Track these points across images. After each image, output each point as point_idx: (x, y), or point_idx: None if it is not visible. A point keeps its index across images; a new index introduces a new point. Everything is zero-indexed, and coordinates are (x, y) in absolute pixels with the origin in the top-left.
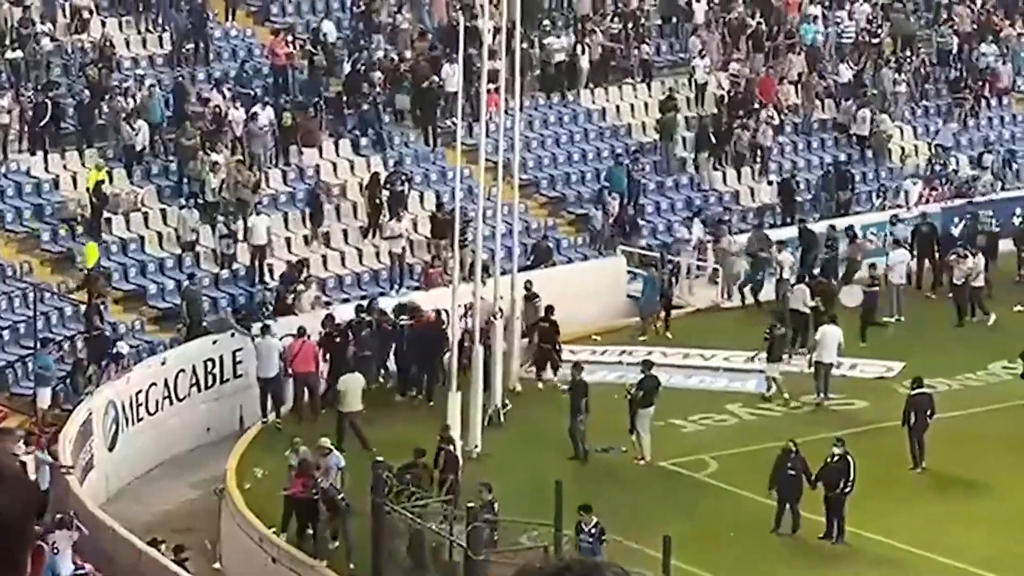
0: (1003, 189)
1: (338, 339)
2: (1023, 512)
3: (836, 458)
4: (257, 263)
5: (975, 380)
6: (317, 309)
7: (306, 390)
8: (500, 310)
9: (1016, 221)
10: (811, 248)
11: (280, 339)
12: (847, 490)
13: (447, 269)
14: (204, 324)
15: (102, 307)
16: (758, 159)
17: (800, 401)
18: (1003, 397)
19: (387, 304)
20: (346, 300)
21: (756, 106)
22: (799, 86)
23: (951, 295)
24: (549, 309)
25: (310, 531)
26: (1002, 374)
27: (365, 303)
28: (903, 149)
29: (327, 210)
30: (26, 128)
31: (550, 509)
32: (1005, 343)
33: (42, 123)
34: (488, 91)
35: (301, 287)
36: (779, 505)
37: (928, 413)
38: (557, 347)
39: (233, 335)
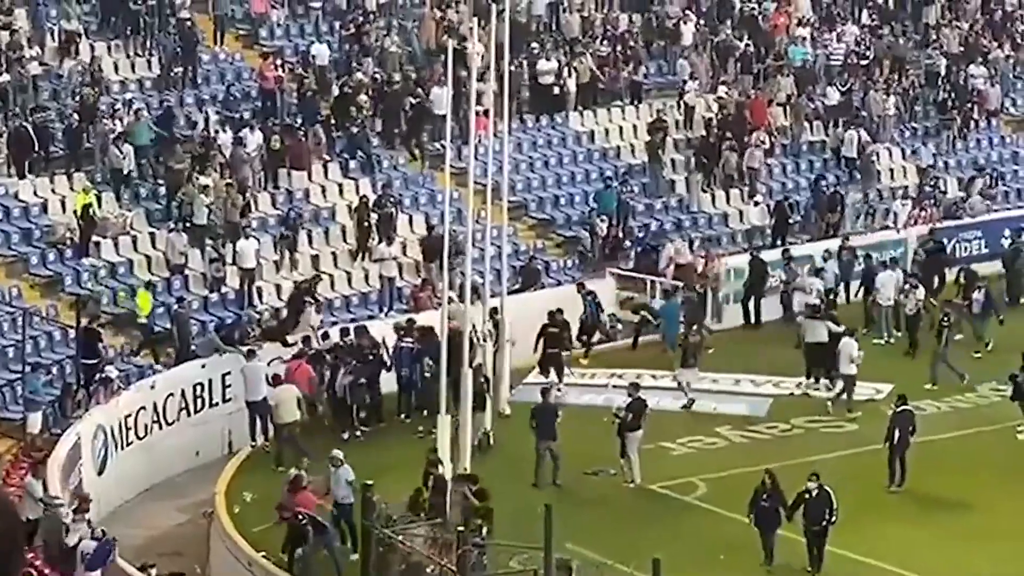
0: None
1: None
2: (1011, 534)
3: (815, 492)
4: (246, 287)
5: (964, 402)
6: (319, 329)
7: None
8: (489, 332)
9: (1005, 243)
10: (761, 277)
11: (269, 363)
12: (832, 521)
13: (436, 292)
14: (193, 348)
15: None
16: (747, 181)
17: (790, 424)
18: (993, 419)
19: (378, 327)
20: (335, 323)
21: (746, 128)
22: (788, 108)
23: (905, 326)
24: (558, 311)
25: (299, 552)
26: (992, 396)
27: (349, 328)
28: (891, 171)
29: (314, 234)
30: (14, 152)
31: (540, 533)
32: (995, 365)
33: (31, 148)
34: (477, 114)
35: (310, 304)
36: (762, 537)
37: (911, 430)
38: (566, 347)
39: (222, 355)
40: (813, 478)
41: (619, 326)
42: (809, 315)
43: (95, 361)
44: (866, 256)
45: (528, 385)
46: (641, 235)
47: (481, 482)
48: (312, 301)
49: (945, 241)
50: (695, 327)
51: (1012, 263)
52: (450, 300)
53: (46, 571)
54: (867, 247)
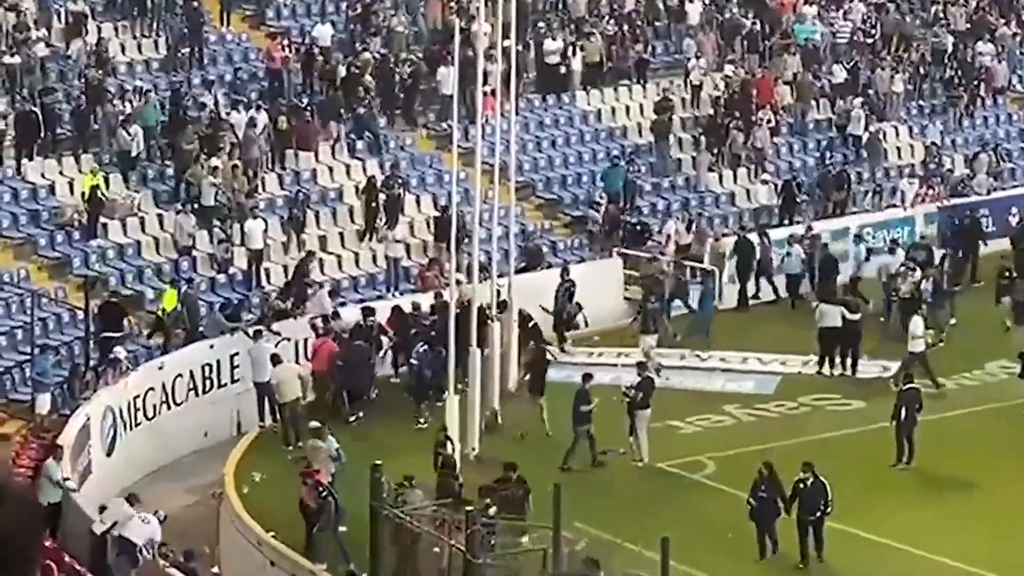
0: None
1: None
2: (1016, 512)
3: (809, 482)
4: (254, 267)
5: (971, 380)
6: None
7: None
8: (499, 307)
9: (1012, 220)
10: (748, 257)
11: (276, 344)
12: (828, 511)
13: (443, 272)
14: (202, 329)
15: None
16: (753, 160)
17: (798, 402)
18: (999, 397)
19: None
20: (343, 304)
21: (753, 107)
22: (794, 87)
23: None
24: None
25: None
26: (999, 373)
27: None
28: (898, 149)
29: (322, 215)
30: (21, 134)
31: (548, 512)
32: (1002, 343)
33: (38, 130)
34: (484, 93)
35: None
36: (758, 531)
37: (917, 408)
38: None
39: (233, 334)
40: (807, 468)
41: (583, 316)
42: (823, 299)
43: (119, 334)
44: (824, 245)
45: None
46: (630, 217)
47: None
48: (309, 282)
49: (980, 216)
50: (657, 298)
51: (1020, 241)
52: (459, 282)
53: (65, 559)
54: (874, 225)
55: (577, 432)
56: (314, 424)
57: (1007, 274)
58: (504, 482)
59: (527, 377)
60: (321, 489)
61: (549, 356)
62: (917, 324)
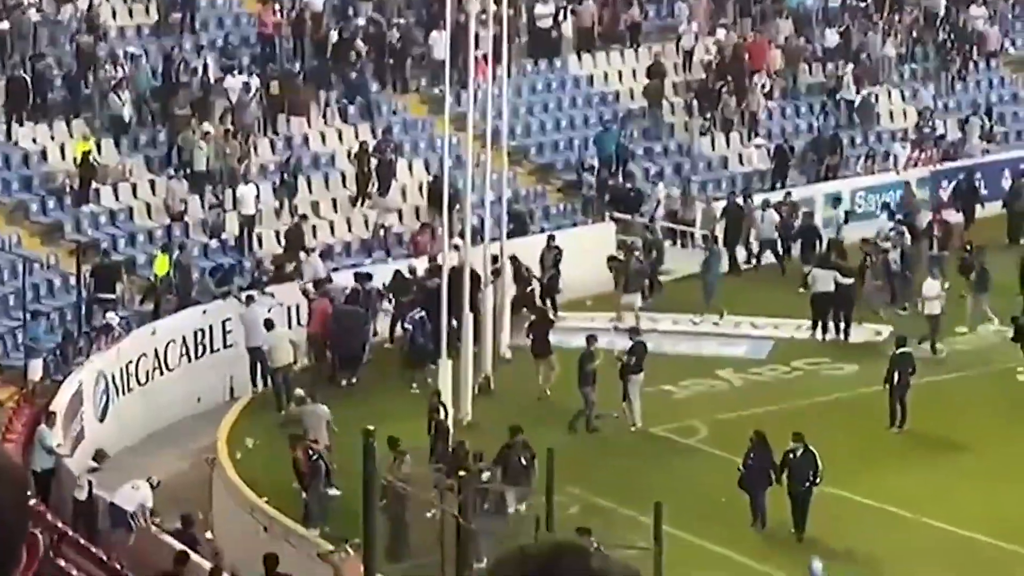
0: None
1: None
2: (1012, 474)
3: (799, 452)
4: (246, 233)
5: (965, 344)
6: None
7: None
8: (491, 275)
9: (1005, 184)
10: (737, 222)
11: (269, 309)
12: (817, 483)
13: (436, 236)
14: (194, 294)
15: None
16: (746, 124)
17: (791, 366)
18: (992, 360)
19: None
20: (335, 269)
21: (745, 71)
22: (785, 51)
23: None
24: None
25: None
26: (992, 337)
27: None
28: (891, 113)
29: (314, 180)
30: (11, 99)
31: (541, 477)
32: (995, 306)
33: (27, 96)
34: (476, 58)
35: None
36: (750, 499)
37: (910, 372)
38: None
39: (226, 298)
40: (797, 438)
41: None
42: (818, 264)
43: (112, 296)
44: (806, 213)
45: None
46: (624, 182)
47: (483, 427)
48: (305, 247)
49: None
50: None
51: (1013, 204)
52: (457, 247)
53: (58, 525)
54: (867, 189)
55: (585, 393)
56: (298, 392)
57: (968, 247)
58: (510, 447)
59: (530, 340)
60: (312, 452)
61: (552, 317)
62: (931, 287)
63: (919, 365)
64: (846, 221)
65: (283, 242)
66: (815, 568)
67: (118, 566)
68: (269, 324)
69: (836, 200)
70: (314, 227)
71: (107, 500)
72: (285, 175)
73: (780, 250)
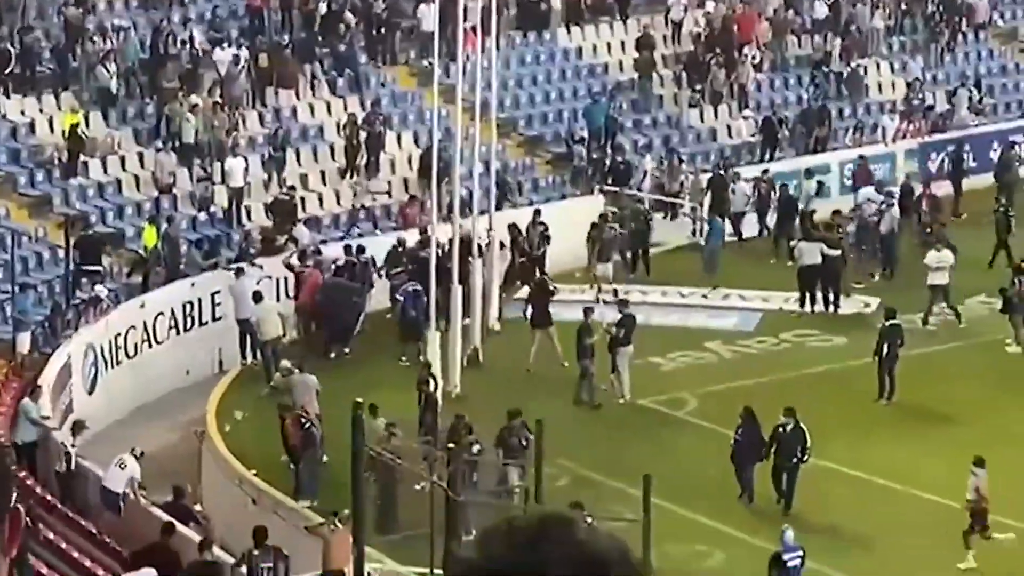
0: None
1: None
2: (999, 445)
3: (789, 427)
4: (234, 205)
5: (952, 315)
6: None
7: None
8: (480, 247)
9: (994, 156)
10: (723, 194)
11: (258, 281)
12: (805, 459)
13: (425, 208)
14: (182, 267)
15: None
16: (735, 96)
17: (779, 338)
18: (980, 332)
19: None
20: (324, 242)
21: (734, 43)
22: (774, 23)
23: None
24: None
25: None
26: (980, 309)
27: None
28: (879, 85)
29: (302, 153)
30: (1, 72)
31: (531, 449)
32: (982, 278)
33: (9, 68)
34: (465, 30)
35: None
36: (737, 473)
37: (899, 344)
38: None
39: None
40: (788, 412)
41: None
42: (803, 237)
43: (98, 268)
44: (782, 186)
45: (516, 301)
46: (596, 156)
47: (471, 399)
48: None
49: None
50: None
51: (1002, 177)
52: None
53: (47, 498)
54: (856, 161)
55: (584, 366)
56: (285, 363)
57: (929, 229)
58: (509, 429)
59: (529, 311)
60: (304, 421)
61: (552, 287)
62: (933, 257)
63: (917, 336)
64: (818, 193)
65: (272, 214)
66: (787, 537)
67: (106, 539)
68: (258, 296)
69: (808, 172)
70: (303, 199)
71: (95, 472)
72: (274, 148)
73: (759, 224)
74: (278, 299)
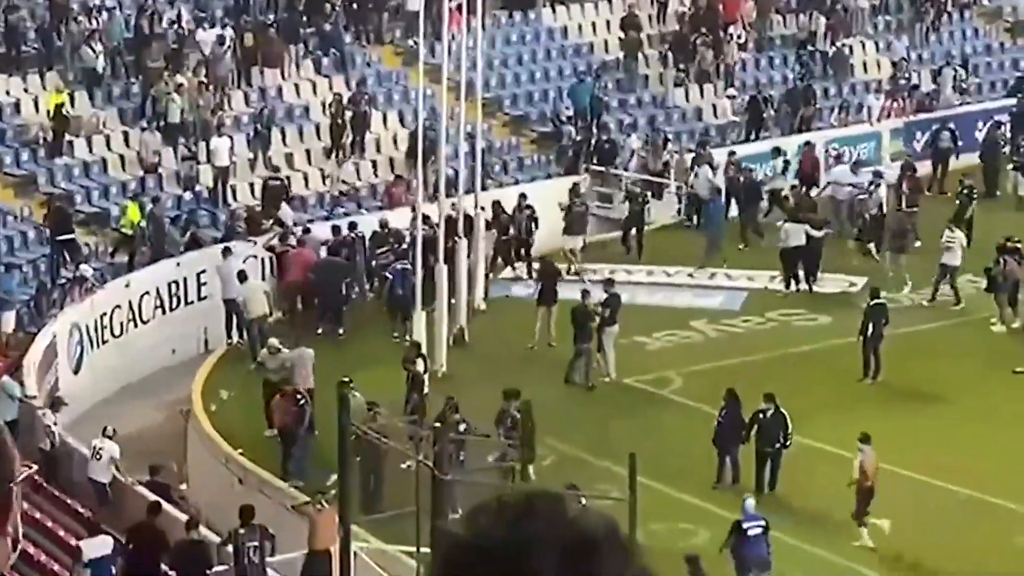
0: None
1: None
2: (984, 425)
3: (769, 412)
4: (220, 185)
5: (938, 294)
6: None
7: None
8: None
9: (979, 136)
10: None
11: (244, 260)
12: (787, 444)
13: (410, 188)
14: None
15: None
16: (721, 76)
17: (765, 317)
18: (966, 311)
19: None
20: (311, 221)
21: (720, 22)
22: (759, 2)
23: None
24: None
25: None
26: (966, 288)
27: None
28: (864, 64)
29: (288, 132)
30: None
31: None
32: (968, 258)
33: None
34: (450, 10)
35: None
36: (719, 457)
37: (884, 323)
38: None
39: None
40: (768, 398)
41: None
42: (789, 219)
43: (71, 237)
44: (749, 170)
45: (502, 281)
46: (579, 137)
47: (457, 378)
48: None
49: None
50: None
51: (987, 157)
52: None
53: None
54: (841, 140)
55: (582, 350)
56: (273, 341)
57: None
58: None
59: (539, 290)
60: (299, 396)
61: (559, 267)
62: (946, 236)
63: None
64: (784, 171)
65: (261, 197)
66: (747, 506)
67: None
68: (243, 276)
69: (776, 150)
70: (288, 179)
71: (80, 452)
72: (259, 127)
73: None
74: (263, 278)
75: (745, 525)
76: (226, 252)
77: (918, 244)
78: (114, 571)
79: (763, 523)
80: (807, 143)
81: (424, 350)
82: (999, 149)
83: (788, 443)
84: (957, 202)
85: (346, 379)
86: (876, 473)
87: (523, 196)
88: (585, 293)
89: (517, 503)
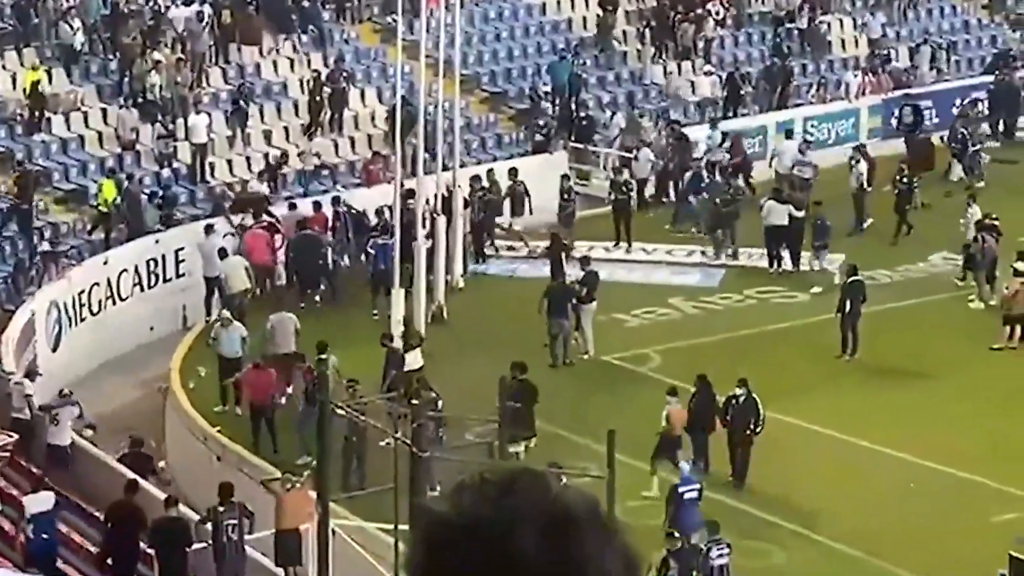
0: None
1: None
2: (962, 401)
3: (742, 398)
4: (198, 162)
5: (916, 271)
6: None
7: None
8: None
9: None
10: (684, 152)
11: (223, 236)
12: (758, 430)
13: (389, 165)
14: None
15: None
16: (700, 53)
17: (743, 294)
18: (943, 288)
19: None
20: (289, 197)
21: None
22: None
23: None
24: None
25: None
26: (943, 265)
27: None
28: (842, 41)
29: (266, 109)
30: None
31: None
32: (946, 234)
33: None
34: None
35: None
36: (693, 442)
37: (861, 300)
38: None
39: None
40: (741, 383)
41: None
42: (772, 197)
43: (30, 205)
44: (682, 136)
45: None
46: (551, 112)
47: (435, 355)
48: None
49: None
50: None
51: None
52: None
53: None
54: (819, 117)
55: (558, 327)
56: (224, 313)
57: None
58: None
59: (549, 264)
60: (314, 372)
61: (566, 242)
62: (969, 212)
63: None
64: (721, 144)
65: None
66: (683, 469)
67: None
68: (223, 253)
69: (712, 121)
70: (266, 155)
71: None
72: (239, 103)
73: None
74: (240, 253)
75: (681, 489)
76: (208, 230)
77: (870, 222)
78: (57, 527)
79: (698, 487)
80: (737, 135)
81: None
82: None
83: (759, 429)
84: (896, 191)
85: (323, 356)
86: (683, 425)
87: (476, 179)
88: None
89: (499, 481)
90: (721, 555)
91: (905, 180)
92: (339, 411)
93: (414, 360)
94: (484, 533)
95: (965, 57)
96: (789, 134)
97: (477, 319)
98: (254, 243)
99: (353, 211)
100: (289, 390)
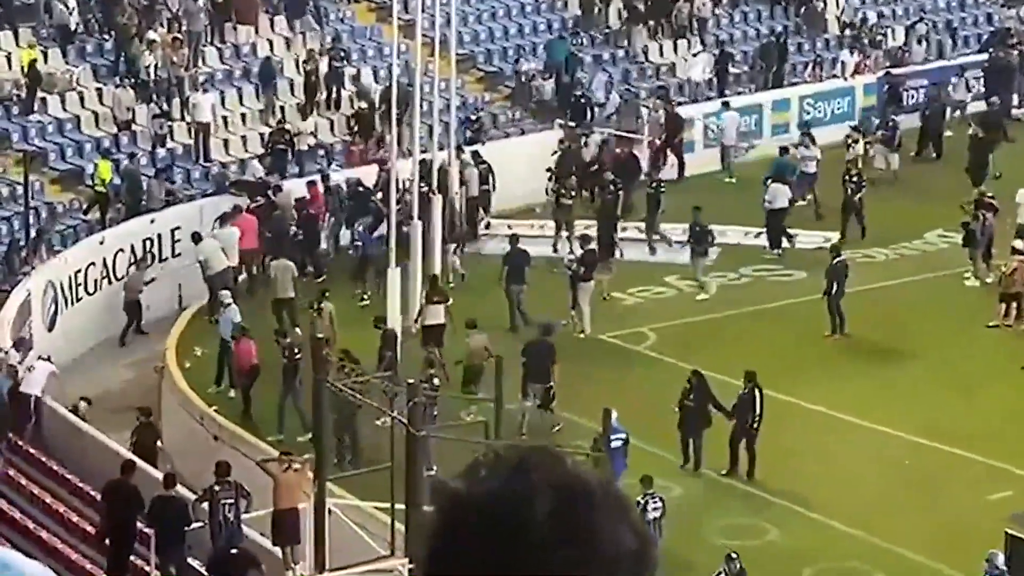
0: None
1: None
2: (954, 379)
3: (746, 392)
4: (200, 140)
5: (911, 249)
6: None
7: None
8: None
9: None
10: (678, 129)
11: (212, 229)
12: (755, 425)
13: (383, 145)
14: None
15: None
16: (695, 31)
17: (739, 273)
18: (939, 266)
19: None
20: (283, 178)
21: None
22: None
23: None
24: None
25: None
26: (938, 243)
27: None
28: (838, 19)
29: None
30: None
31: (491, 384)
32: (942, 212)
33: None
34: None
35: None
36: (682, 441)
37: (844, 279)
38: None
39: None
40: (748, 378)
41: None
42: (774, 179)
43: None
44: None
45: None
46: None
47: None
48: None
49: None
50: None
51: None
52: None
53: None
54: (815, 96)
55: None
56: (224, 294)
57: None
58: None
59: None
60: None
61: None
62: (1020, 194)
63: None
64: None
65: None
66: (613, 418)
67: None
68: (196, 237)
69: (726, 104)
70: (261, 135)
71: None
72: (233, 83)
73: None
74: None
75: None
76: (195, 237)
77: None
78: None
79: (624, 436)
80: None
81: (398, 306)
82: (943, 110)
83: (756, 426)
84: (846, 191)
85: (320, 336)
86: (486, 357)
87: (476, 155)
88: (513, 239)
89: (512, 457)
90: (656, 508)
91: (853, 177)
92: (332, 388)
93: (435, 315)
94: (500, 509)
95: (961, 35)
96: (727, 105)
97: (472, 298)
98: (244, 227)
99: (361, 188)
100: None
